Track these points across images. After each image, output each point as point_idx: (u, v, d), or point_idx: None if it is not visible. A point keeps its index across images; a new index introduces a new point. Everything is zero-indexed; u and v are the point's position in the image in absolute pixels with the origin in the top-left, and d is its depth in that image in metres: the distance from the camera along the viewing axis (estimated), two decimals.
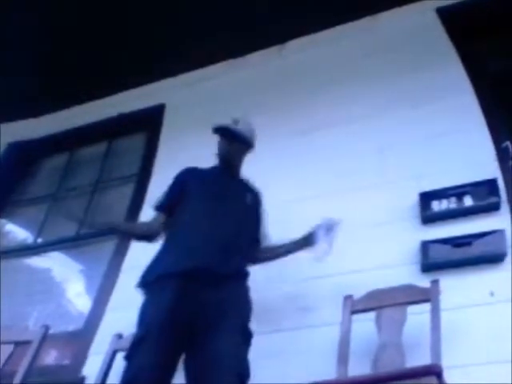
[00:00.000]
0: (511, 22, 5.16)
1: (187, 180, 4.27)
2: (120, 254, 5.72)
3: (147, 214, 5.58)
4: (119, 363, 4.40)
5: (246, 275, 3.97)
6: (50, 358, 5.23)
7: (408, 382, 3.37)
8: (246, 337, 3.71)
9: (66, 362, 5.15)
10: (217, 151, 4.34)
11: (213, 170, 4.36)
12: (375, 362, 3.81)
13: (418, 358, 3.64)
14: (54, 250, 6.52)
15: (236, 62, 6.57)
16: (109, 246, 5.98)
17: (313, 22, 6.02)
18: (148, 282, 3.85)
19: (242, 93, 6.13)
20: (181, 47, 6.38)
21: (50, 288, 6.13)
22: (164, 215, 4.16)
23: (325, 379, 3.64)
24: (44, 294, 5.95)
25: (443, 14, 5.62)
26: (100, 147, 7.17)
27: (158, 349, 3.49)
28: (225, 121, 4.32)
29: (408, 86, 5.37)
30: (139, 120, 6.92)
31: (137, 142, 6.93)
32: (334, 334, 4.14)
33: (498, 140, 4.77)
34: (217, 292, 3.67)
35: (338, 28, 6.11)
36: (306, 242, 4.24)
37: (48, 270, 6.33)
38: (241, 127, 4.29)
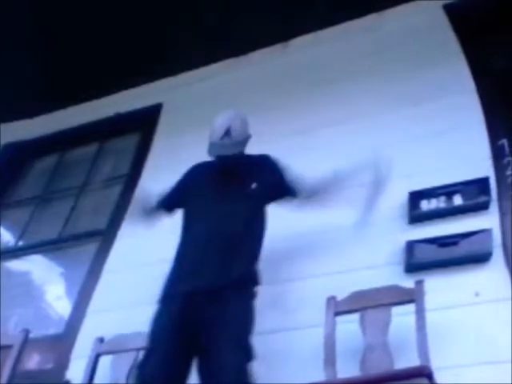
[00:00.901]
0: None
1: (188, 180, 4.31)
2: (101, 256, 5.70)
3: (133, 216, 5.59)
4: (102, 367, 4.40)
5: (250, 282, 3.93)
6: (33, 362, 5.15)
7: (399, 383, 3.39)
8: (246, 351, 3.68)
9: (49, 366, 5.09)
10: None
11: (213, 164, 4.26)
12: (363, 363, 3.79)
13: (405, 360, 3.65)
14: (35, 252, 6.45)
15: (238, 60, 6.51)
16: (90, 248, 5.95)
17: (317, 19, 6.00)
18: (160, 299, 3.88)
19: (243, 92, 6.08)
20: (182, 46, 6.32)
21: (29, 291, 6.09)
22: (164, 210, 4.30)
23: (312, 381, 3.62)
24: (23, 298, 5.90)
25: (450, 10, 5.58)
26: (94, 148, 7.12)
27: (165, 358, 3.57)
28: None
29: (409, 84, 5.34)
30: (135, 120, 6.86)
31: (132, 142, 6.85)
32: (317, 335, 4.11)
33: (495, 138, 4.75)
34: (219, 303, 3.67)
35: (343, 25, 6.08)
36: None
37: (28, 273, 6.26)
38: (236, 130, 4.09)
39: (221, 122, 4.10)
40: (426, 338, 3.70)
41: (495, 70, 5.23)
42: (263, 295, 4.34)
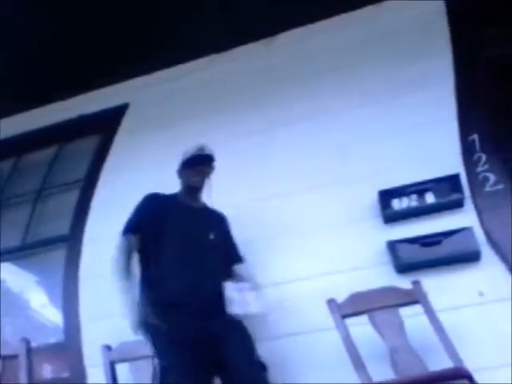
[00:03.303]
0: None
1: (155, 209, 4.32)
2: (73, 262, 5.63)
3: (95, 220, 5.67)
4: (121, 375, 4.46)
5: None
6: (46, 371, 5.09)
7: None
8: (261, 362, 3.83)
9: (65, 374, 5.06)
10: (185, 183, 4.44)
11: (177, 199, 4.44)
12: (394, 366, 3.85)
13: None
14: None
15: (220, 56, 6.24)
16: (57, 254, 5.86)
17: (309, 12, 5.77)
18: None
19: (217, 90, 5.98)
20: (157, 44, 6.03)
21: (10, 300, 5.91)
22: (135, 236, 4.27)
23: None
24: (7, 306, 5.74)
25: (450, 2, 5.46)
26: (53, 151, 6.81)
27: (186, 373, 3.66)
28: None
29: (387, 79, 5.30)
30: (97, 121, 6.61)
31: (92, 144, 6.59)
32: (321, 339, 4.29)
33: (466, 134, 4.80)
34: (222, 321, 3.85)
35: (336, 18, 5.84)
36: None
37: (2, 282, 6.08)
38: (207, 151, 4.38)
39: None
40: (449, 339, 3.81)
41: (483, 63, 5.15)
42: None
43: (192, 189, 4.42)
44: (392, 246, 4.51)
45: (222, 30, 5.90)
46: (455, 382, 3.45)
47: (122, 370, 4.56)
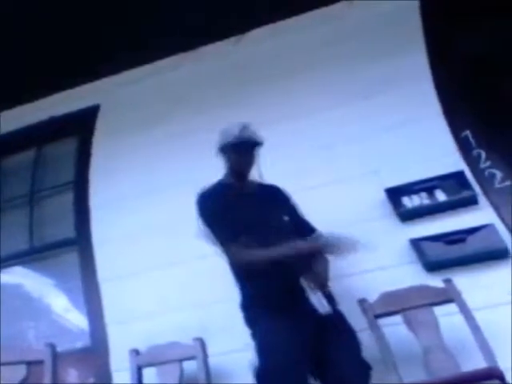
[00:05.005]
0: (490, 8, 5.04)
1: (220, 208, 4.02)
2: (89, 265, 5.55)
3: (99, 222, 5.59)
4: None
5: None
6: (72, 376, 5.08)
7: None
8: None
9: (91, 380, 5.01)
10: (232, 167, 4.15)
11: (230, 188, 4.14)
12: (426, 366, 3.80)
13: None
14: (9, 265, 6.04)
15: (188, 55, 6.14)
16: (65, 258, 5.84)
17: (280, 8, 5.70)
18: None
19: (189, 89, 5.92)
20: (124, 44, 5.92)
21: (30, 304, 5.87)
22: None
23: None
24: (28, 311, 5.71)
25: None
26: (31, 155, 6.67)
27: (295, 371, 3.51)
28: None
29: (367, 75, 5.26)
30: (71, 123, 6.49)
31: (70, 146, 6.48)
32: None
33: (457, 130, 4.79)
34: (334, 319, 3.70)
35: (308, 15, 5.82)
36: None
37: (20, 286, 5.98)
38: (250, 132, 4.11)
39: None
40: (485, 339, 3.76)
41: (458, 58, 5.14)
42: None
43: (241, 173, 4.17)
44: (416, 244, 4.45)
45: (189, 28, 5.84)
46: (487, 382, 3.41)
47: (148, 373, 4.51)
